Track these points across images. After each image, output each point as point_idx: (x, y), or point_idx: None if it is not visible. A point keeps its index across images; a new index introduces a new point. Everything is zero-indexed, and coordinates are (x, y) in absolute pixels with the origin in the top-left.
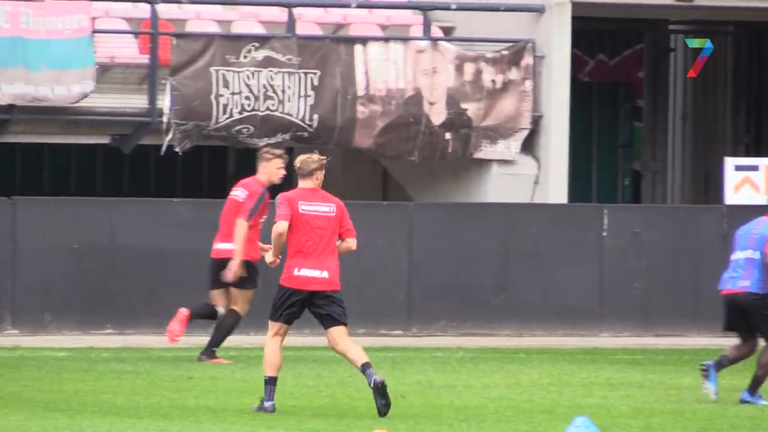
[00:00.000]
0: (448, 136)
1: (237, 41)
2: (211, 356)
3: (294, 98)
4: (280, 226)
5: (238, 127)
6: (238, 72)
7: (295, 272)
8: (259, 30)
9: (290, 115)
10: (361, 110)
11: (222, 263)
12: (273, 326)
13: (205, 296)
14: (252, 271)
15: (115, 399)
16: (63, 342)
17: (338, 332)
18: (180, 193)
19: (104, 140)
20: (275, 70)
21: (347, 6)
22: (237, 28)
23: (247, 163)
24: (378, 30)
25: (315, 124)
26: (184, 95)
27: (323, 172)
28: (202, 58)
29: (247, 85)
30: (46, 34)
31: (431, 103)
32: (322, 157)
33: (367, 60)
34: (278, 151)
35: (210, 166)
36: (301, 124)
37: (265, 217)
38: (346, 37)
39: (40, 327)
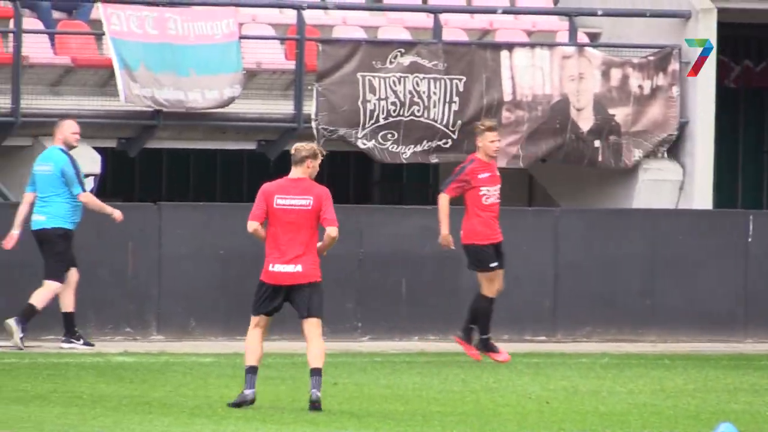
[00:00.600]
0: (597, 143)
1: (383, 47)
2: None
3: (439, 104)
4: (249, 226)
5: (383, 133)
6: (384, 77)
7: (270, 268)
8: (405, 36)
9: (435, 121)
10: (507, 116)
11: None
12: (253, 319)
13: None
14: (480, 252)
15: (260, 404)
16: (208, 348)
17: (308, 324)
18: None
19: (250, 146)
20: (421, 75)
21: (493, 12)
22: (383, 34)
23: (391, 170)
24: (524, 36)
25: (458, 129)
26: (331, 101)
27: (317, 161)
28: (348, 64)
29: (393, 91)
30: (196, 40)
31: (578, 109)
32: (317, 147)
33: (513, 66)
34: (489, 123)
35: (356, 172)
36: (445, 130)
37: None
38: (492, 42)
39: (185, 333)
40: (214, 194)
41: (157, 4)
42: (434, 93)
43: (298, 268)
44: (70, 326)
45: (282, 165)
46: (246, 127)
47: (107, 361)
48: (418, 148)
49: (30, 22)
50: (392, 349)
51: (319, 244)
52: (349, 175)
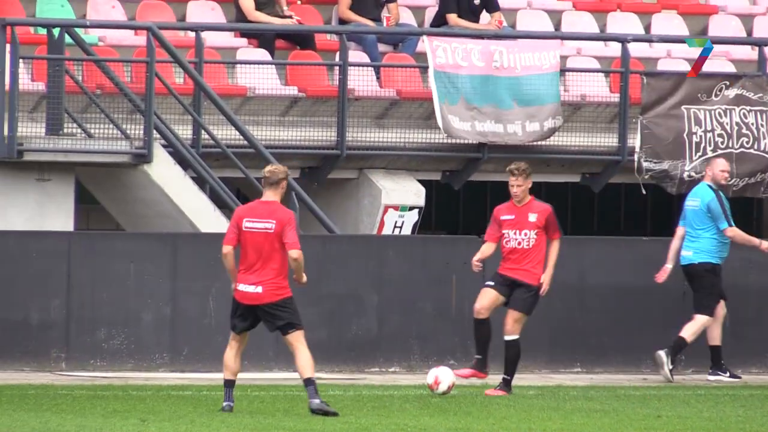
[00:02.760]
0: None
1: (708, 79)
2: None
3: None
4: (223, 249)
5: None
6: (710, 110)
7: (238, 287)
8: (730, 68)
9: (765, 152)
10: None
11: None
12: (231, 335)
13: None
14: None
15: None
16: (532, 380)
17: (290, 338)
18: (649, 231)
19: (574, 179)
20: (747, 108)
21: None
22: (707, 67)
23: None
24: None
25: None
26: (655, 133)
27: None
28: (672, 97)
29: (719, 123)
30: (522, 71)
31: None
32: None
33: None
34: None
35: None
36: None
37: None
38: None
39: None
40: None
41: (482, 37)
42: (762, 125)
43: (258, 289)
44: (717, 359)
45: (606, 197)
46: (570, 160)
47: (430, 394)
48: (751, 180)
49: (356, 55)
50: (715, 382)
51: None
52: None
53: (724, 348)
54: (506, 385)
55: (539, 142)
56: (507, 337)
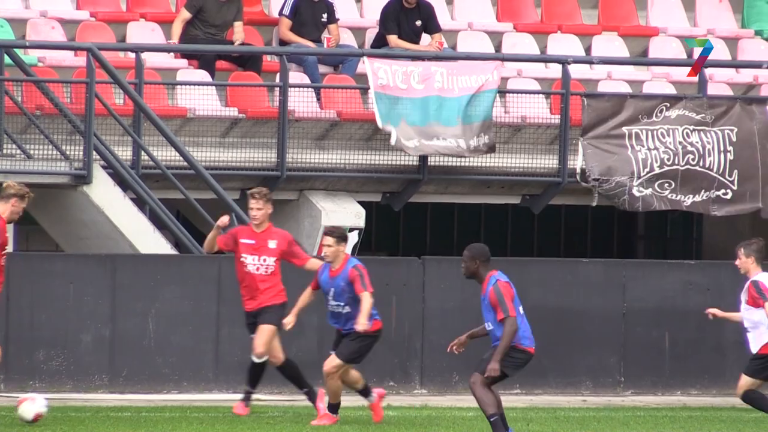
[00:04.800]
0: None
1: (648, 101)
2: None
3: (714, 153)
4: None
5: (660, 182)
6: (652, 130)
7: None
8: (670, 90)
9: (710, 170)
10: None
11: None
12: None
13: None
14: None
15: None
16: (471, 402)
17: None
18: (589, 252)
19: (515, 200)
20: (690, 127)
21: (759, 66)
22: (648, 89)
23: (655, 223)
24: None
25: (735, 179)
26: (599, 153)
27: None
28: (613, 118)
29: (662, 143)
30: (460, 92)
31: None
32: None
33: None
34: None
35: (619, 225)
36: (723, 180)
37: None
38: (758, 97)
39: (448, 387)
40: None
41: (423, 59)
42: (708, 143)
43: None
44: None
45: (546, 218)
46: (510, 181)
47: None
48: (698, 198)
49: (296, 76)
50: (654, 404)
51: None
52: (614, 230)
53: (663, 370)
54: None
55: (479, 164)
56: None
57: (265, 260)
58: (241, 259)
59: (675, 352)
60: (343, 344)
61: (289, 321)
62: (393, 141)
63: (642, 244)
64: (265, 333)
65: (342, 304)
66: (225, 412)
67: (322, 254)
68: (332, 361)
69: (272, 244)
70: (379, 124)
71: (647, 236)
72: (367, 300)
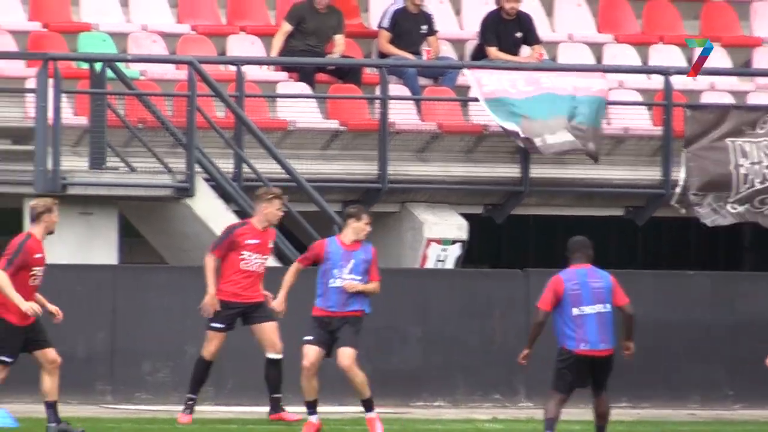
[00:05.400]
0: None
1: (752, 112)
2: None
3: None
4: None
5: (761, 197)
6: (756, 142)
7: None
8: None
9: None
10: None
11: None
12: None
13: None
14: None
15: None
16: (576, 415)
17: None
18: (694, 265)
19: (618, 212)
20: None
21: None
22: (752, 99)
23: (763, 234)
24: None
25: None
26: (700, 166)
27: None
28: (716, 129)
29: (766, 155)
30: (574, 91)
31: None
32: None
33: None
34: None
35: (726, 238)
36: None
37: None
38: None
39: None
40: None
41: (523, 70)
42: None
43: None
44: None
45: (650, 231)
46: (613, 194)
47: (476, 428)
48: None
49: (396, 88)
50: (764, 418)
51: None
52: (719, 242)
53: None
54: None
55: (581, 176)
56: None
57: (265, 258)
58: (244, 257)
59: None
60: (347, 334)
61: (281, 306)
62: (521, 142)
63: (749, 255)
64: (275, 328)
65: (359, 278)
66: (332, 425)
67: (358, 234)
68: (348, 353)
69: (271, 243)
70: (502, 126)
71: (754, 248)
72: (377, 285)
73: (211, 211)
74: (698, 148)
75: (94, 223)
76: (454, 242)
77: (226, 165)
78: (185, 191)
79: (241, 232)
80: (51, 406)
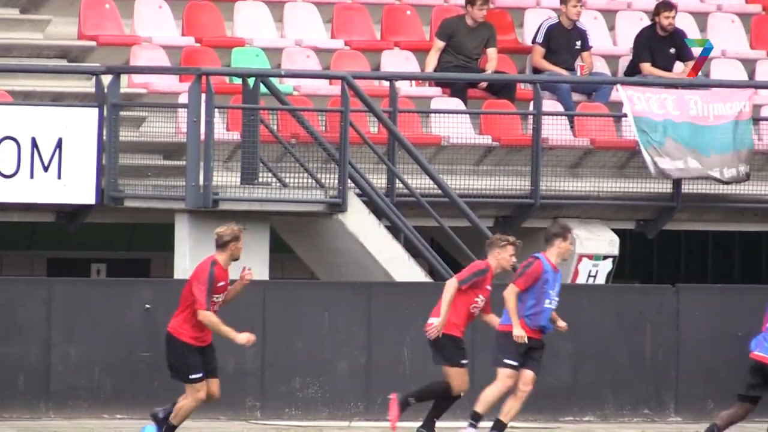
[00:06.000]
0: None
1: None
2: None
3: None
4: None
5: None
6: None
7: None
8: None
9: None
10: None
11: None
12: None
13: None
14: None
15: None
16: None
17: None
18: None
19: (766, 227)
20: None
21: None
22: None
23: None
24: None
25: None
26: None
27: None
28: None
29: None
30: (714, 120)
31: None
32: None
33: None
34: (511, 239)
35: None
36: None
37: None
38: None
39: (703, 414)
40: (732, 276)
41: (676, 87)
42: None
43: None
44: None
45: None
46: (764, 209)
47: None
48: None
49: (550, 104)
50: None
51: None
52: None
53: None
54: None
55: (733, 191)
56: None
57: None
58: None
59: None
60: (539, 357)
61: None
62: (652, 169)
63: None
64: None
65: (557, 299)
66: None
67: (564, 255)
68: (532, 378)
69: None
70: (642, 149)
71: None
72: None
73: (363, 227)
74: None
75: (245, 239)
76: (605, 258)
77: (379, 180)
78: (337, 207)
79: (483, 279)
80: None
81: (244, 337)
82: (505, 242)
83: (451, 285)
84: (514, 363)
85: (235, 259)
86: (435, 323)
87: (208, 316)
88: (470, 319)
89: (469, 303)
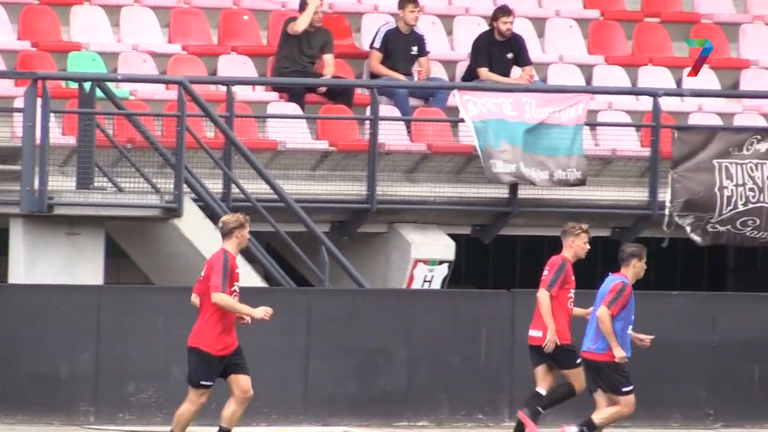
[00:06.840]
0: None
1: (739, 133)
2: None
3: None
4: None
5: (742, 219)
6: (741, 164)
7: None
8: (762, 123)
9: None
10: None
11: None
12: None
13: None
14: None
15: None
16: None
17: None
18: (679, 285)
19: (604, 233)
20: None
21: None
22: (739, 121)
23: (746, 257)
24: None
25: None
26: (686, 187)
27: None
28: (704, 151)
29: (751, 177)
30: (550, 124)
31: None
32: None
33: None
34: (585, 226)
35: (709, 258)
36: None
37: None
38: None
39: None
40: None
41: (512, 91)
42: None
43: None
44: None
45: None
46: (600, 214)
47: None
48: None
49: (387, 109)
50: None
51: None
52: (703, 262)
53: (753, 403)
54: None
55: (569, 197)
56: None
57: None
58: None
59: (765, 385)
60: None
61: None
62: (487, 173)
63: (732, 276)
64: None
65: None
66: None
67: (638, 276)
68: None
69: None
70: (479, 153)
71: (737, 269)
72: None
73: (199, 232)
74: (685, 169)
75: (80, 243)
76: (441, 263)
77: (215, 185)
78: (173, 211)
79: (566, 273)
80: None
81: (261, 311)
82: (579, 230)
83: (544, 296)
84: (632, 387)
85: (243, 248)
86: (548, 338)
87: (223, 298)
88: (570, 318)
89: (565, 302)
